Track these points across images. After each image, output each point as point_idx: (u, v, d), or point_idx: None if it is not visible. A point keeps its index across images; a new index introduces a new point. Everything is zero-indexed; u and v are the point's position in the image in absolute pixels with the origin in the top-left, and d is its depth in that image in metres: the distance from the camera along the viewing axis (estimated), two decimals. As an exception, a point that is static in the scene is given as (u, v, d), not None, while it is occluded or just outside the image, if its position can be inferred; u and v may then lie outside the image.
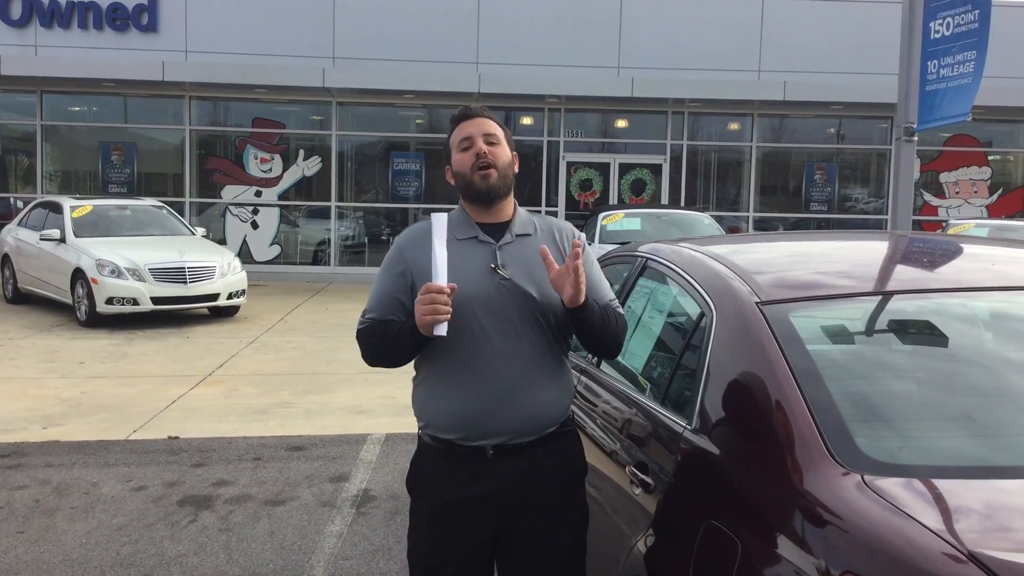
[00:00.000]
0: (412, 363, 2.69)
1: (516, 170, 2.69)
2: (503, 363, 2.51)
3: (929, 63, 6.88)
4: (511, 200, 2.69)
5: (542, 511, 2.61)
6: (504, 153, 2.63)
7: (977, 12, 6.54)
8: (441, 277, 2.44)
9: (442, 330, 2.45)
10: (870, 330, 2.73)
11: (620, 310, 2.71)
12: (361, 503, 5.45)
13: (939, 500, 1.96)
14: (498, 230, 2.63)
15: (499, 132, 2.65)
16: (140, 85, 16.71)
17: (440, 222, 2.49)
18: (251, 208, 17.78)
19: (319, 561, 4.62)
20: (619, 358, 3.31)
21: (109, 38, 16.81)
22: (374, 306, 2.66)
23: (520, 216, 2.69)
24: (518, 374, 2.54)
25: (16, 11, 16.71)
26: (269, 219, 17.85)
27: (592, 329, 2.59)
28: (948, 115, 6.85)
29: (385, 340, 2.61)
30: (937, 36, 6.82)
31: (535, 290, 2.55)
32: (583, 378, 3.56)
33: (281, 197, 17.89)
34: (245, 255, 16.41)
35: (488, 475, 2.57)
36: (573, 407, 3.42)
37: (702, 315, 2.79)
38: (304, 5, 17.03)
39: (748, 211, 18.40)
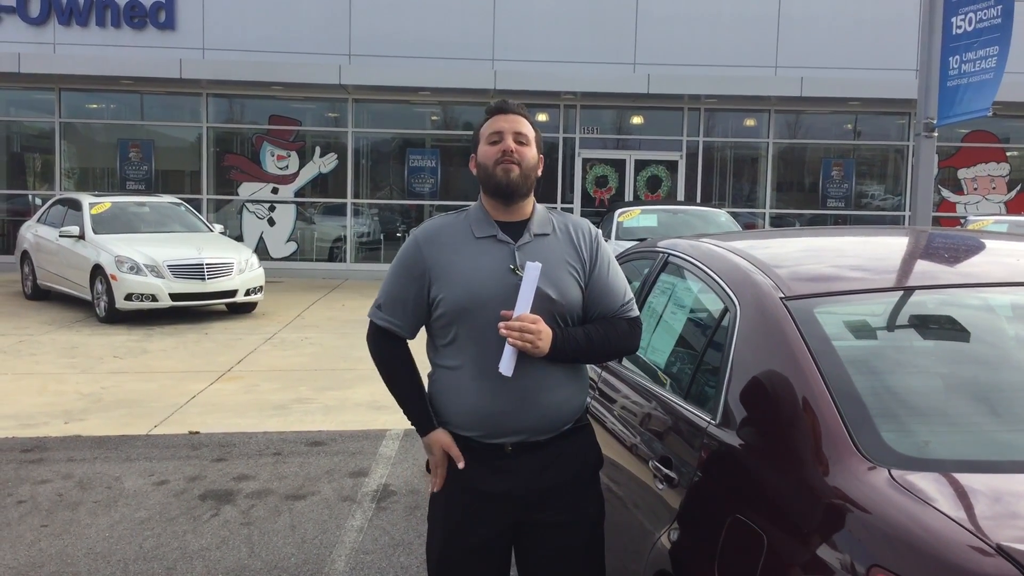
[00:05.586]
0: (427, 357, 2.70)
1: (540, 173, 2.68)
2: (521, 363, 2.50)
3: (950, 59, 6.86)
4: (531, 199, 2.67)
5: (560, 505, 2.61)
6: (531, 154, 2.62)
7: (1000, 7, 6.53)
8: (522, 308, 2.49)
9: (508, 369, 2.49)
10: (894, 325, 2.72)
11: (633, 312, 2.68)
12: (381, 498, 5.48)
13: (965, 494, 1.97)
14: (517, 229, 2.62)
15: (530, 133, 2.64)
16: (158, 82, 16.81)
17: (535, 271, 2.49)
18: (268, 205, 17.86)
19: (340, 555, 4.65)
20: (641, 354, 3.31)
21: (127, 35, 16.92)
22: (385, 300, 2.68)
23: (538, 214, 2.67)
24: (536, 374, 2.53)
25: (35, 9, 16.82)
26: (285, 216, 17.93)
27: (578, 359, 2.64)
28: (969, 110, 6.84)
29: (389, 382, 2.72)
30: (959, 32, 6.80)
31: (553, 291, 2.54)
32: (604, 373, 3.56)
33: (297, 194, 17.97)
34: (262, 252, 16.48)
35: (506, 471, 2.58)
36: (593, 402, 3.44)
37: (725, 310, 2.79)
38: (321, 2, 17.07)
39: (764, 207, 18.35)
